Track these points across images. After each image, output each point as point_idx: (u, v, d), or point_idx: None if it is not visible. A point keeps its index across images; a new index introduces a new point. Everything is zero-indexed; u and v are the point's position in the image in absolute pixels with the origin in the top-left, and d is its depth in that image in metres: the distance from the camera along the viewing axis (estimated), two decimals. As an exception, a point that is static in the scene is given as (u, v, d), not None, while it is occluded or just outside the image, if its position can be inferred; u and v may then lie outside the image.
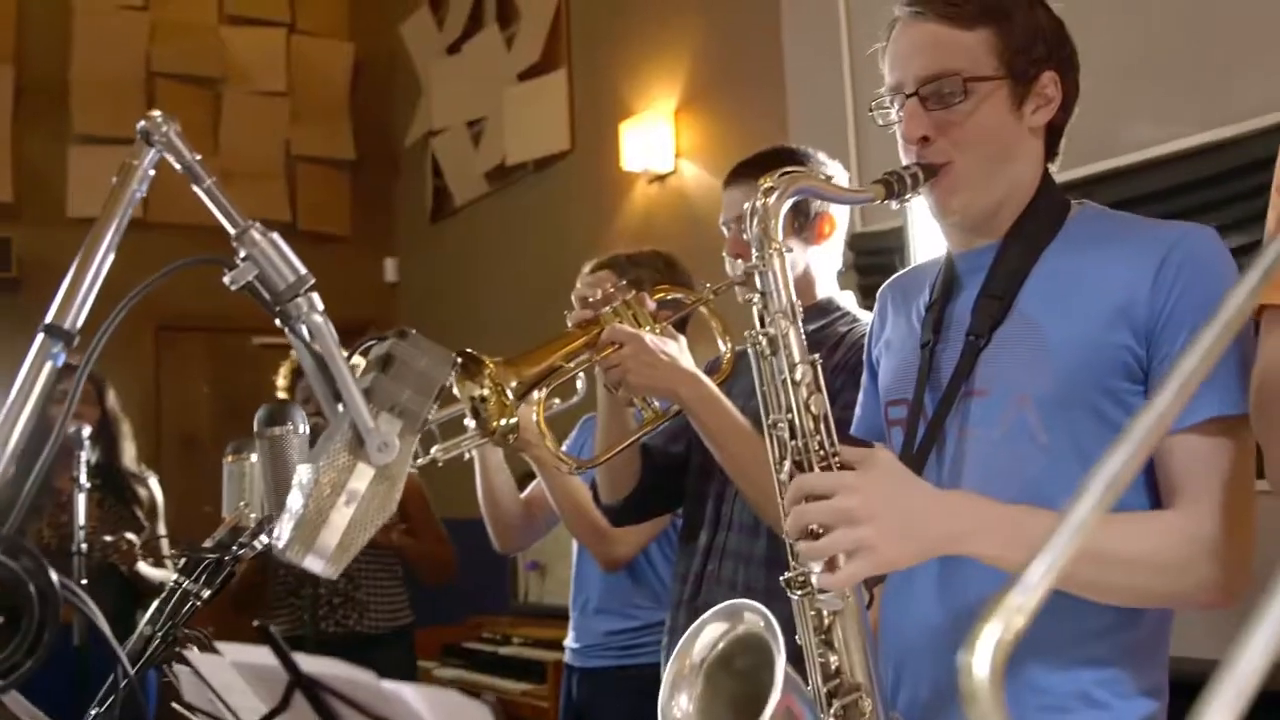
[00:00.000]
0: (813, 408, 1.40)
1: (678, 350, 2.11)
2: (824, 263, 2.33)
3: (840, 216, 2.32)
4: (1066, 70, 1.59)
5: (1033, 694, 1.45)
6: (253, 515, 2.31)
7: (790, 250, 1.46)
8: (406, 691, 0.87)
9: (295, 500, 1.14)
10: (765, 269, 1.44)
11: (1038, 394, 1.47)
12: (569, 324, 2.21)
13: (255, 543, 1.75)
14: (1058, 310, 1.49)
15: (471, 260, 6.57)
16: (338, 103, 7.35)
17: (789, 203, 1.46)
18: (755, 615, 1.34)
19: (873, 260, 3.08)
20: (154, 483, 4.20)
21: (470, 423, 2.20)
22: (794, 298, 1.44)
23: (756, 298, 1.45)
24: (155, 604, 1.83)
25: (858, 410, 1.83)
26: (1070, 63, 1.60)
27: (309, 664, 0.94)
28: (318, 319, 1.15)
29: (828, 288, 2.34)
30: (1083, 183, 2.71)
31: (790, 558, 1.43)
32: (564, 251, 5.68)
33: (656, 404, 2.24)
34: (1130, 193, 2.65)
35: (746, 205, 1.47)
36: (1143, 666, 1.48)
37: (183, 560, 1.96)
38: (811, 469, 1.39)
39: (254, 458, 2.36)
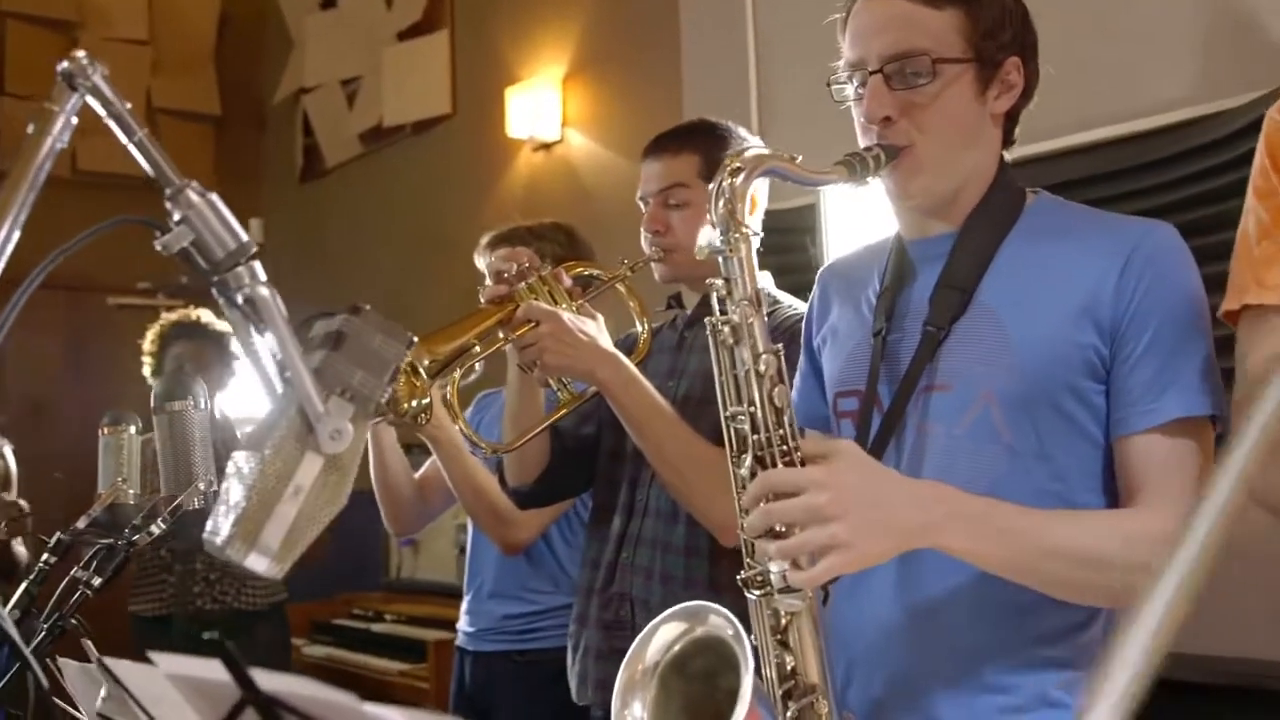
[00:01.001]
0: (776, 400, 1.33)
1: (596, 329, 2.03)
2: (745, 242, 2.26)
3: (763, 196, 2.26)
4: (1029, 57, 1.55)
5: (993, 695, 1.42)
6: (131, 491, 2.17)
7: (758, 234, 1.38)
8: (393, 717, 0.77)
9: (235, 492, 1.03)
10: (731, 254, 1.36)
11: (1001, 391, 1.42)
12: (481, 300, 2.10)
13: (154, 526, 1.62)
14: (1021, 305, 1.45)
15: (343, 224, 6.36)
16: (202, 54, 7.01)
17: (756, 184, 1.38)
18: (720, 620, 1.26)
19: (782, 239, 3.03)
20: (8, 451, 3.95)
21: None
22: (759, 285, 1.37)
23: (720, 283, 1.37)
24: (23, 587, 1.69)
25: (794, 398, 1.77)
26: (1033, 50, 1.56)
27: (270, 681, 0.83)
28: (263, 291, 1.04)
29: (747, 266, 2.28)
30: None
31: (746, 555, 1.36)
32: (442, 218, 5.52)
33: (572, 385, 2.16)
34: (1048, 180, 2.64)
35: (712, 186, 1.38)
36: (1095, 665, 1.46)
37: (55, 539, 1.82)
38: (774, 464, 1.32)
39: (132, 430, 2.22)
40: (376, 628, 4.70)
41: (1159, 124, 2.58)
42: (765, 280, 2.27)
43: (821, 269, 1.81)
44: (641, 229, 2.23)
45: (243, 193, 7.11)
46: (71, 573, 1.63)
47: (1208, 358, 1.40)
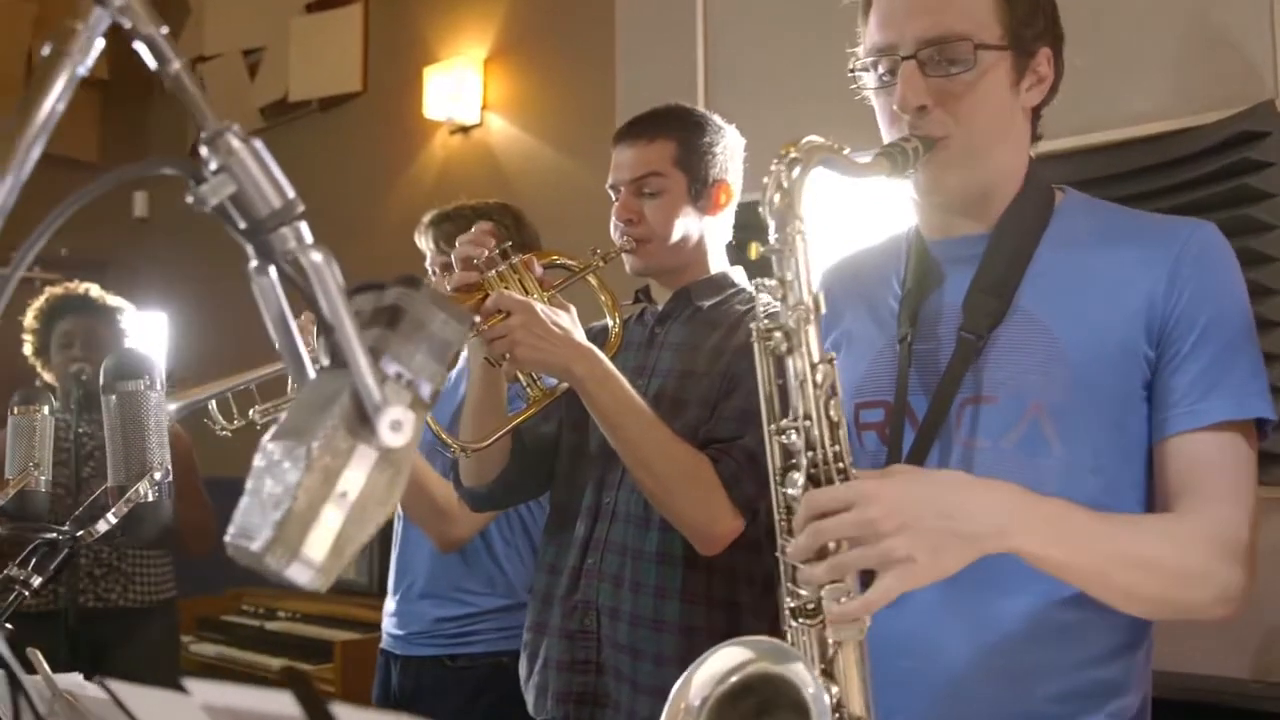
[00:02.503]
0: (832, 413, 1.22)
1: (570, 322, 1.91)
2: (718, 234, 2.17)
3: (737, 185, 2.16)
4: (1059, 50, 1.47)
5: None
6: (43, 479, 1.98)
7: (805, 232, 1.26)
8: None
9: (273, 489, 0.88)
10: (788, 252, 1.24)
11: (1053, 403, 1.34)
12: (447, 287, 1.96)
13: (107, 519, 1.44)
14: (1068, 311, 1.38)
15: (238, 200, 6.08)
16: (89, 13, 6.67)
17: (812, 175, 1.27)
18: (798, 666, 1.13)
19: (743, 236, 2.93)
20: None
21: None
22: (815, 287, 1.25)
23: (774, 284, 1.25)
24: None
25: None
26: (1062, 42, 1.48)
27: (352, 717, 0.69)
28: (316, 256, 0.89)
29: (721, 261, 2.17)
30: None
31: (788, 581, 1.25)
32: (348, 199, 5.31)
33: (542, 381, 2.03)
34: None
35: (767, 178, 1.27)
36: (1139, 689, 1.40)
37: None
38: (830, 482, 1.21)
39: (46, 410, 2.02)
40: (270, 625, 4.47)
41: (1131, 135, 2.54)
42: (739, 275, 2.17)
43: (825, 270, 1.70)
44: (612, 218, 2.11)
45: (128, 163, 6.76)
46: (5, 571, 1.45)
47: (1256, 359, 1.35)
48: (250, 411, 2.40)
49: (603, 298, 2.14)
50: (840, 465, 1.21)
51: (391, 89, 5.15)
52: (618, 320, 2.14)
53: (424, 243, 2.69)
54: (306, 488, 0.86)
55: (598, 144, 3.90)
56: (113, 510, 1.46)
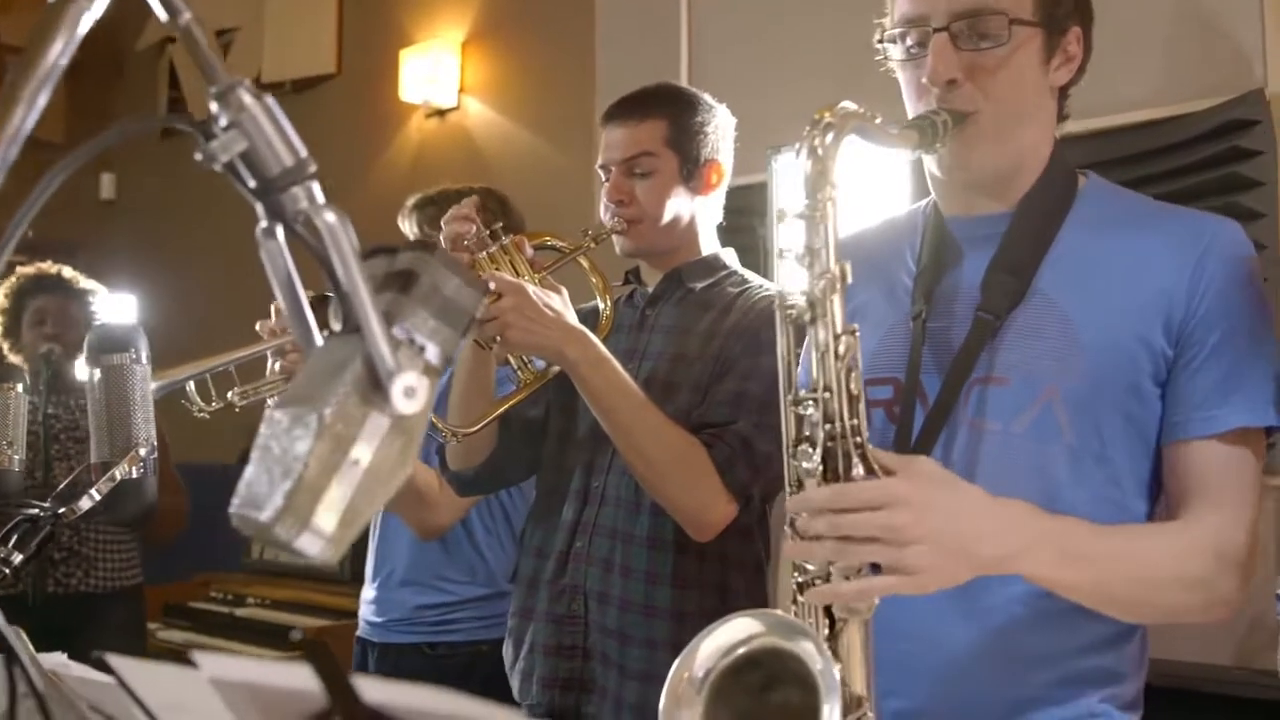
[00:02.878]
0: (853, 387, 1.19)
1: (562, 304, 1.88)
2: (709, 215, 2.14)
3: (728, 165, 2.13)
4: (1089, 29, 1.45)
5: (1044, 708, 1.33)
6: (16, 458, 1.94)
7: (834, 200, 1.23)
8: None
9: (283, 456, 0.85)
10: (818, 219, 1.21)
11: (1067, 389, 1.32)
12: None
13: (90, 495, 1.40)
14: (1087, 298, 1.35)
15: (206, 184, 5.93)
16: (56, -9, 6.58)
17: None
18: (806, 643, 1.11)
19: (729, 220, 2.90)
20: None
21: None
22: (838, 257, 1.22)
23: (802, 251, 1.22)
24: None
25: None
26: (1091, 21, 1.46)
27: (374, 690, 0.66)
28: (330, 216, 0.86)
29: (712, 243, 2.15)
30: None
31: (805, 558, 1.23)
32: (323, 182, 5.24)
33: (532, 364, 2.00)
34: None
35: (799, 144, 1.24)
36: (1135, 676, 1.39)
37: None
38: (846, 458, 1.18)
39: (20, 388, 1.98)
40: (240, 612, 4.42)
41: (1122, 122, 2.54)
42: (730, 256, 2.15)
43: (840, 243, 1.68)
44: (602, 198, 2.08)
45: (96, 144, 6.68)
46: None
47: (1271, 365, 1.33)
48: (229, 393, 2.36)
49: (594, 279, 2.11)
50: (858, 440, 1.19)
51: (367, 71, 5.10)
52: (609, 303, 2.11)
53: (408, 227, 2.65)
54: (318, 455, 0.83)
55: (576, 128, 3.88)
56: (96, 487, 1.42)
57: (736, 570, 1.95)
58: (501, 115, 4.52)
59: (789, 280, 1.23)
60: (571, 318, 1.88)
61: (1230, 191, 2.41)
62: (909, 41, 1.40)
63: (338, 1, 5.28)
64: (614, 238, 2.07)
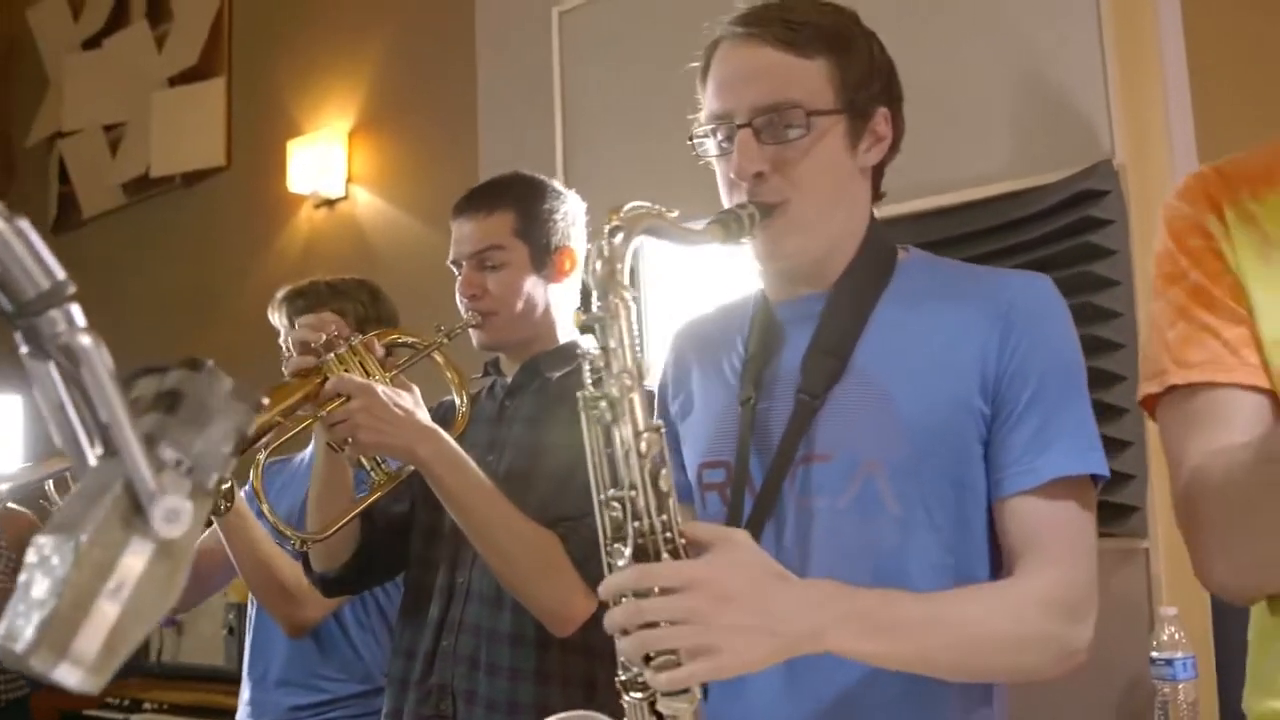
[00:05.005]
0: (661, 484, 1.20)
1: (413, 403, 1.88)
2: (565, 302, 2.15)
3: (580, 251, 2.15)
4: (898, 109, 1.49)
5: None
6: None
7: (633, 298, 1.25)
8: None
9: (40, 587, 0.83)
10: (611, 320, 1.22)
11: (887, 461, 1.34)
12: (285, 372, 1.92)
13: None
14: (903, 369, 1.38)
15: (103, 278, 5.91)
16: (-56, 89, 6.51)
17: (635, 244, 1.26)
18: None
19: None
20: None
21: None
22: (640, 356, 1.24)
23: (596, 353, 1.23)
24: None
25: None
26: (900, 102, 1.50)
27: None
28: (84, 340, 0.85)
29: (569, 330, 2.15)
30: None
31: (620, 653, 1.22)
32: (215, 274, 5.20)
33: (387, 464, 1.99)
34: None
35: (590, 246, 1.26)
36: None
37: None
38: (657, 554, 1.19)
39: None
40: (135, 718, 4.29)
41: (976, 197, 2.60)
42: (590, 342, 2.15)
43: (676, 330, 1.70)
44: (456, 293, 2.08)
45: (-14, 242, 6.57)
46: None
47: (1087, 413, 1.36)
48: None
49: (449, 374, 2.11)
50: (668, 535, 1.19)
51: (256, 163, 5.08)
52: (464, 398, 2.11)
53: (277, 319, 2.63)
54: (74, 584, 0.81)
55: (462, 216, 3.89)
56: None
57: (601, 663, 1.93)
58: (389, 204, 4.52)
59: (589, 380, 1.24)
60: (423, 416, 1.87)
61: (1085, 260, 2.46)
62: (719, 137, 1.43)
63: (226, 94, 5.27)
64: (470, 331, 2.08)
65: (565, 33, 3.45)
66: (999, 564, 1.38)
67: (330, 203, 4.73)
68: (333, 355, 1.91)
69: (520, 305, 2.05)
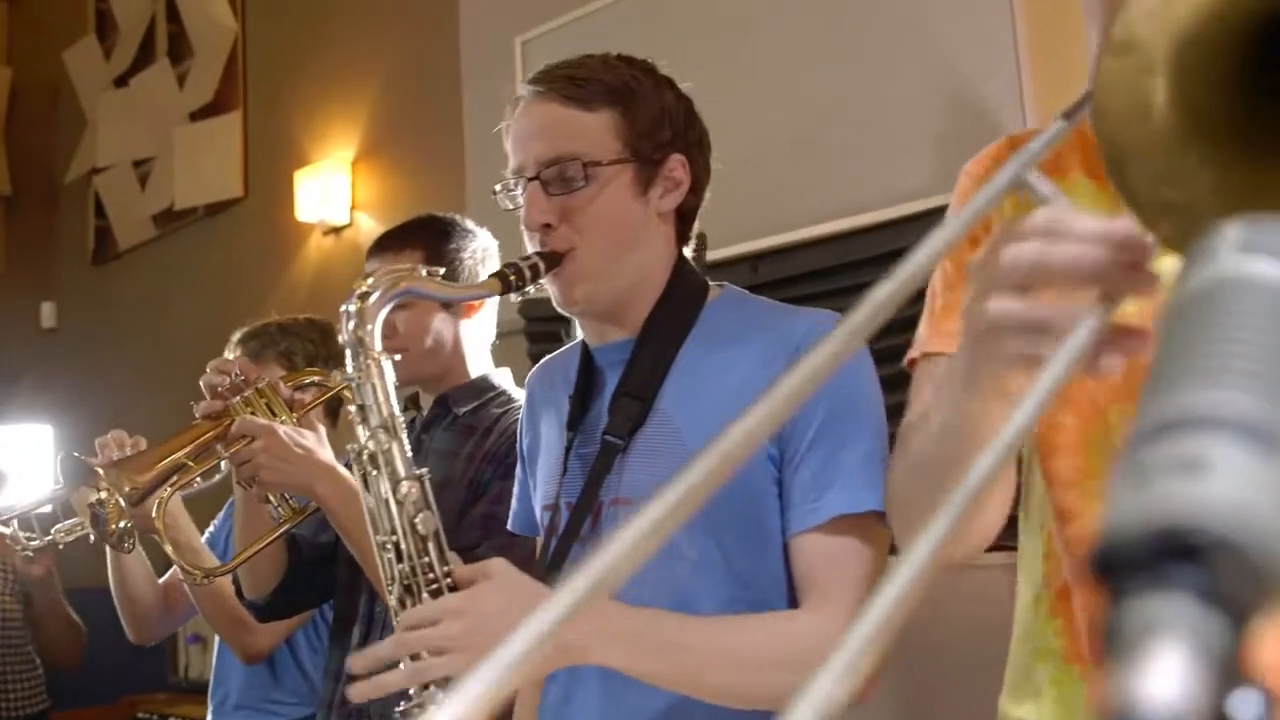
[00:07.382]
0: (420, 527, 1.28)
1: (315, 442, 1.96)
2: (476, 337, 2.21)
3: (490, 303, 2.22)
4: (696, 153, 1.53)
5: None
6: None
7: (395, 358, 1.33)
8: None
9: None
10: (363, 380, 1.31)
11: None
12: (196, 415, 2.02)
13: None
14: (697, 412, 1.42)
15: (138, 308, 6.13)
16: (-9, 129, 6.78)
17: (388, 308, 1.34)
18: None
19: (543, 328, 3.01)
20: None
21: (88, 528, 2.08)
22: (395, 409, 1.32)
23: (354, 410, 1.32)
24: None
25: (514, 505, 1.73)
26: (700, 145, 1.54)
27: None
28: None
29: (481, 364, 2.22)
30: (739, 259, 2.74)
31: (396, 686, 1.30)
32: (237, 302, 5.34)
33: (294, 500, 2.08)
34: (787, 271, 2.69)
35: (342, 308, 1.34)
36: None
37: None
38: (421, 593, 1.27)
39: None
40: (166, 734, 4.47)
41: (900, 214, 2.62)
42: (502, 377, 2.22)
43: (531, 372, 1.77)
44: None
45: (34, 275, 6.85)
46: None
47: (873, 451, 1.37)
48: (53, 529, 2.49)
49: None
50: (431, 575, 1.27)
51: (268, 193, 5.24)
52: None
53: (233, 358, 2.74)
54: None
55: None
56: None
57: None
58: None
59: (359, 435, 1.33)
60: (324, 454, 1.95)
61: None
62: (519, 189, 1.49)
63: (242, 126, 5.43)
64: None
65: (528, 61, 3.54)
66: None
67: (337, 230, 4.86)
68: (239, 398, 2.00)
69: (429, 342, 2.13)
